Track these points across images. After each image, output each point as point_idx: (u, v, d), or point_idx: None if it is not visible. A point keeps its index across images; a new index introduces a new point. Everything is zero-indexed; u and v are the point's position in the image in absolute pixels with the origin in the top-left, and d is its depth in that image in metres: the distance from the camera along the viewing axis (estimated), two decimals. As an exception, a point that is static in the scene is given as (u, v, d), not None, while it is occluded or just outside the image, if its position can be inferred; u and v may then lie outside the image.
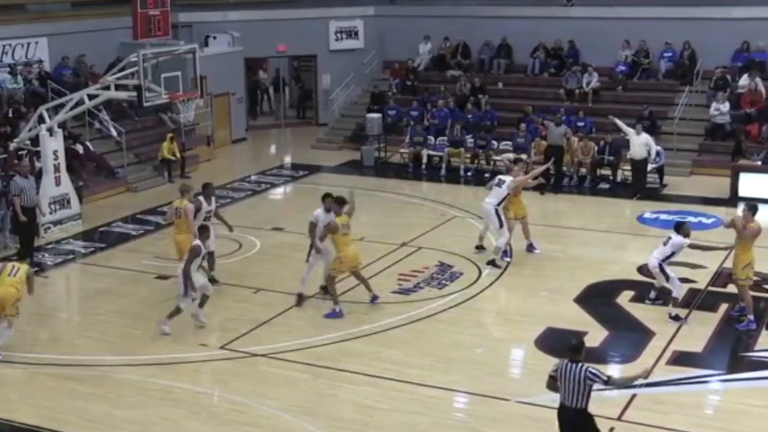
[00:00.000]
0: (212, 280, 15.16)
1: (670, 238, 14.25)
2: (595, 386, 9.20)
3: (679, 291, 14.24)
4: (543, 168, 18.57)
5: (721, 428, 11.07)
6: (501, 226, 16.43)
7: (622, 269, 16.37)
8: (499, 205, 16.44)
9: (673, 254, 14.25)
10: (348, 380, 12.22)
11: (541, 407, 11.47)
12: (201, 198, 15.46)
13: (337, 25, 30.34)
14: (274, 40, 29.54)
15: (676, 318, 14.09)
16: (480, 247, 17.16)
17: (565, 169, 22.68)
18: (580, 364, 9.17)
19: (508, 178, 16.56)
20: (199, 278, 13.81)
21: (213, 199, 15.75)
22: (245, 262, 17.11)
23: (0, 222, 17.88)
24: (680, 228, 14.32)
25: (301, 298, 14.77)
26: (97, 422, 11.22)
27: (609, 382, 9.27)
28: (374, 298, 14.75)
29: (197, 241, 13.49)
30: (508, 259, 16.83)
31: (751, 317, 13.88)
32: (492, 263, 16.51)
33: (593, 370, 9.17)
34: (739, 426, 11.09)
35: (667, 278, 14.26)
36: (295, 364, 12.71)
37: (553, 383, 9.38)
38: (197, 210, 15.18)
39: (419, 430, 11.01)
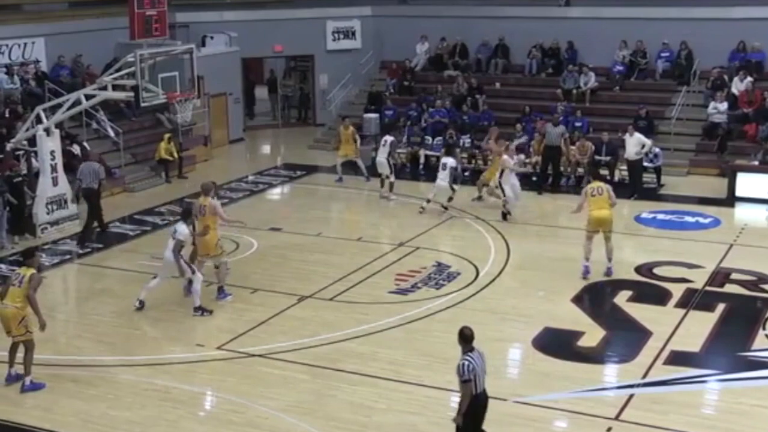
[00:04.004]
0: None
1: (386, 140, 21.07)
2: None
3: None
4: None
5: (719, 428, 11.08)
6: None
7: (619, 269, 16.37)
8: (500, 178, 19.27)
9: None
10: (346, 380, 12.22)
11: (538, 407, 11.51)
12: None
13: (335, 26, 30.33)
14: (271, 40, 29.53)
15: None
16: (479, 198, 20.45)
17: (562, 169, 22.69)
18: (476, 350, 9.52)
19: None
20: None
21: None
22: (243, 263, 17.10)
23: (-3, 222, 17.90)
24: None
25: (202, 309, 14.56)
26: (96, 423, 11.22)
27: None
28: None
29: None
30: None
31: None
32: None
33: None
34: (736, 425, 11.10)
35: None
36: (293, 364, 12.72)
37: (470, 390, 9.37)
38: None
39: (417, 430, 11.01)
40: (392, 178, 21.25)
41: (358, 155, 23.26)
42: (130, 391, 12.06)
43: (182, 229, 14.16)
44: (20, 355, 12.09)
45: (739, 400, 11.75)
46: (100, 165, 19.24)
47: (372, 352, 13.09)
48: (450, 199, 20.03)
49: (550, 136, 22.27)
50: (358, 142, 23.37)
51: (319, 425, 11.04)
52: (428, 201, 20.13)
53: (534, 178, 21.99)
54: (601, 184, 16.06)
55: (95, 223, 18.94)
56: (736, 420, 11.21)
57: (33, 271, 11.97)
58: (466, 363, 9.32)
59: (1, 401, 11.77)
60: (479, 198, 20.84)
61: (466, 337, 9.52)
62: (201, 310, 14.31)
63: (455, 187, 19.97)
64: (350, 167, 23.29)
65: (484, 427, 10.80)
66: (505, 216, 19.24)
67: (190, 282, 14.57)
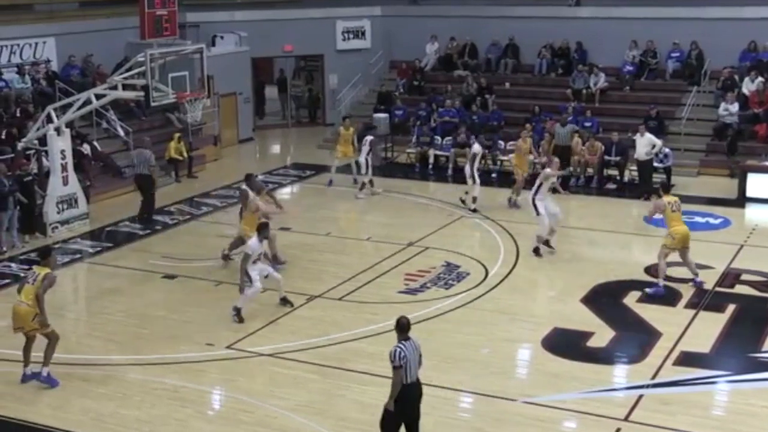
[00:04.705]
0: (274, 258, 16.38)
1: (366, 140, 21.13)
2: None
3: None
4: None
5: (729, 429, 11.05)
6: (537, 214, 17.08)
7: (629, 269, 16.36)
8: (535, 195, 17.03)
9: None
10: (355, 380, 12.23)
11: (547, 407, 11.50)
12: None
13: (344, 25, 30.37)
14: (281, 40, 29.58)
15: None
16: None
17: (571, 169, 22.67)
18: (411, 340, 9.70)
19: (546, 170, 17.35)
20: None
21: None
22: (252, 262, 17.15)
23: (8, 221, 17.94)
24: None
25: (285, 301, 14.78)
26: (106, 422, 11.26)
27: None
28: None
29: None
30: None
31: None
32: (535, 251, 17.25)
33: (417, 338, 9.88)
34: (746, 427, 11.07)
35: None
36: (303, 363, 12.74)
37: (401, 376, 9.57)
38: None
39: (425, 429, 10.96)
40: (366, 178, 21.61)
41: (356, 156, 23.28)
42: (139, 389, 12.09)
43: (251, 243, 14.24)
44: (35, 353, 12.15)
45: (749, 401, 11.73)
46: (151, 153, 20.07)
47: (381, 351, 12.96)
48: (474, 199, 20.07)
49: (560, 136, 22.27)
50: (356, 144, 23.04)
51: (329, 425, 11.05)
52: (466, 193, 20.38)
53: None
54: (676, 198, 15.49)
55: (144, 209, 20.01)
56: (746, 421, 11.18)
57: (48, 270, 12.04)
58: (398, 350, 9.57)
59: (13, 400, 11.82)
60: (510, 200, 20.63)
61: (401, 327, 9.75)
62: (237, 313, 14.20)
63: (476, 178, 19.92)
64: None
65: (493, 428, 10.83)
66: (537, 250, 17.17)
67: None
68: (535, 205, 16.91)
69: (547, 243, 17.11)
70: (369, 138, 21.82)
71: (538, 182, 17.09)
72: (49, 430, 11.10)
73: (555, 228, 17.18)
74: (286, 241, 18.23)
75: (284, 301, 14.78)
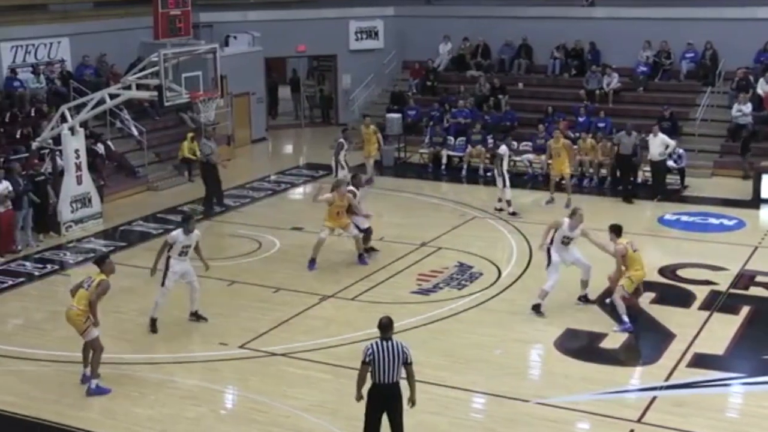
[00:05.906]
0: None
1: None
2: None
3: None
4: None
5: None
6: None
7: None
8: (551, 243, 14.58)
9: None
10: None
11: (560, 408, 11.48)
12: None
13: (357, 25, 30.38)
14: (294, 40, 29.61)
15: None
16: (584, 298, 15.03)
17: (583, 169, 22.61)
18: (393, 341, 9.60)
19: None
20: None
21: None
22: (265, 262, 17.19)
23: (22, 220, 18.03)
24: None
25: (153, 324, 14.08)
26: (120, 420, 11.31)
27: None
28: None
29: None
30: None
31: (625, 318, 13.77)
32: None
33: (405, 343, 9.74)
34: (759, 430, 11.03)
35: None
36: (315, 363, 12.76)
37: (365, 372, 9.61)
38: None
39: (438, 430, 11.02)
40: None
41: (378, 155, 23.28)
42: (153, 389, 12.14)
43: (174, 233, 14.01)
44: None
45: (762, 404, 11.68)
46: (209, 142, 21.10)
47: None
48: (508, 202, 19.85)
49: (625, 146, 21.74)
50: (381, 140, 23.38)
51: (341, 425, 11.06)
52: (500, 200, 20.13)
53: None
54: (629, 239, 14.30)
55: (213, 195, 20.99)
56: (760, 424, 11.14)
57: (103, 277, 12.03)
58: (368, 346, 9.63)
59: (27, 399, 11.89)
60: (552, 200, 20.78)
61: (382, 326, 9.73)
62: (152, 324, 14.01)
63: (506, 180, 19.72)
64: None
65: (506, 429, 10.81)
66: (538, 307, 14.56)
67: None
68: (549, 254, 14.50)
69: (585, 298, 14.89)
70: (339, 139, 21.75)
71: (551, 230, 14.54)
72: (63, 428, 11.16)
73: (585, 277, 14.80)
74: (299, 240, 18.29)
75: (195, 316, 14.27)
